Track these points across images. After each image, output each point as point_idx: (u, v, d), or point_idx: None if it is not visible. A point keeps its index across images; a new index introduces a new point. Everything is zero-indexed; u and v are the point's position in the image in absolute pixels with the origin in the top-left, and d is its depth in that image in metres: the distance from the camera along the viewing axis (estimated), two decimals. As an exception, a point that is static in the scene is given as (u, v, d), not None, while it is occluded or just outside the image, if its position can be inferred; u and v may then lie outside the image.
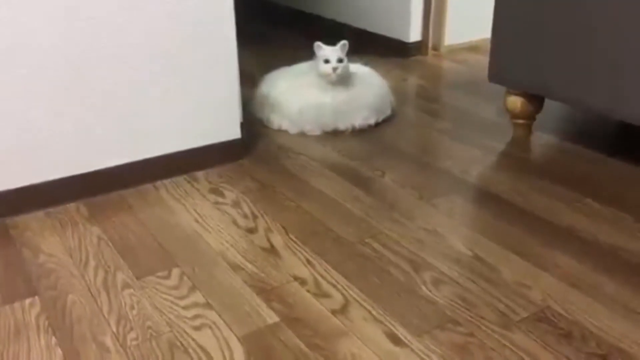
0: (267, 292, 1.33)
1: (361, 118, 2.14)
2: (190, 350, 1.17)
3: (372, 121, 2.17)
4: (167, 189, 1.79)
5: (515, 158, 1.96)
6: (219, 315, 1.26)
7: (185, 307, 1.29)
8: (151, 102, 1.75)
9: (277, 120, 2.15)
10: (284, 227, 1.57)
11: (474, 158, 1.94)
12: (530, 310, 1.26)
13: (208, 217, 1.63)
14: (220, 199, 1.72)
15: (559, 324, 1.22)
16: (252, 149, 2.01)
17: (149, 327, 1.23)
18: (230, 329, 1.23)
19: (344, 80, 2.10)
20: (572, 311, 1.25)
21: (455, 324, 1.23)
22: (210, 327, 1.23)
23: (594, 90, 1.77)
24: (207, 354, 1.16)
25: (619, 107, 1.73)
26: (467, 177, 1.82)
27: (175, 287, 1.36)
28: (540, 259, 1.42)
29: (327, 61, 2.06)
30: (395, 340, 1.19)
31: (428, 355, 1.15)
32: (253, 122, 2.15)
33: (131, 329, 1.23)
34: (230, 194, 1.75)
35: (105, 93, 1.68)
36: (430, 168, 1.89)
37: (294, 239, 1.53)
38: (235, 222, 1.61)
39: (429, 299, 1.30)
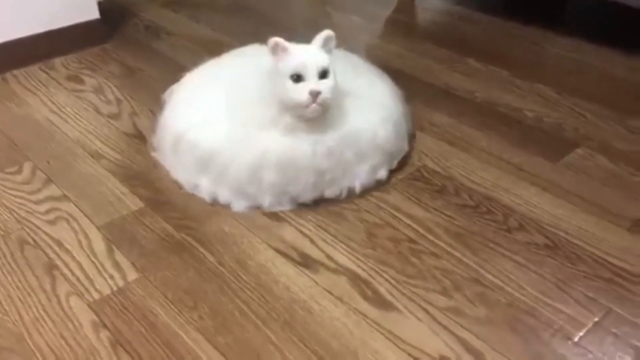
0: (131, 178, 1.23)
1: (365, 173, 1.17)
2: (43, 245, 1.07)
3: (383, 175, 1.19)
4: (18, 80, 1.59)
5: (399, 23, 1.88)
6: (77, 207, 1.16)
7: (37, 202, 1.17)
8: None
9: (209, 187, 1.16)
10: (151, 110, 1.45)
11: (357, 27, 1.85)
12: (406, 172, 1.23)
13: (65, 107, 1.47)
14: (79, 87, 1.55)
15: (433, 180, 1.21)
16: (117, 32, 1.82)
17: (-4, 227, 1.11)
18: (90, 219, 1.13)
19: (331, 107, 1.10)
20: (447, 167, 1.24)
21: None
22: (67, 220, 1.13)
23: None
24: (62, 246, 1.07)
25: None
26: (349, 47, 1.73)
27: (27, 182, 1.22)
28: (418, 121, 1.38)
29: (298, 78, 1.07)
30: (271, 215, 1.14)
31: (303, 225, 1.11)
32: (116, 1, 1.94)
33: (-26, 230, 1.11)
34: (92, 80, 1.58)
35: None
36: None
37: (163, 121, 1.41)
38: (96, 109, 1.46)
39: (306, 170, 1.24)
